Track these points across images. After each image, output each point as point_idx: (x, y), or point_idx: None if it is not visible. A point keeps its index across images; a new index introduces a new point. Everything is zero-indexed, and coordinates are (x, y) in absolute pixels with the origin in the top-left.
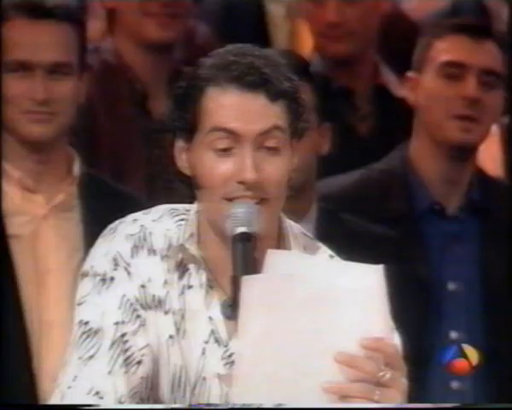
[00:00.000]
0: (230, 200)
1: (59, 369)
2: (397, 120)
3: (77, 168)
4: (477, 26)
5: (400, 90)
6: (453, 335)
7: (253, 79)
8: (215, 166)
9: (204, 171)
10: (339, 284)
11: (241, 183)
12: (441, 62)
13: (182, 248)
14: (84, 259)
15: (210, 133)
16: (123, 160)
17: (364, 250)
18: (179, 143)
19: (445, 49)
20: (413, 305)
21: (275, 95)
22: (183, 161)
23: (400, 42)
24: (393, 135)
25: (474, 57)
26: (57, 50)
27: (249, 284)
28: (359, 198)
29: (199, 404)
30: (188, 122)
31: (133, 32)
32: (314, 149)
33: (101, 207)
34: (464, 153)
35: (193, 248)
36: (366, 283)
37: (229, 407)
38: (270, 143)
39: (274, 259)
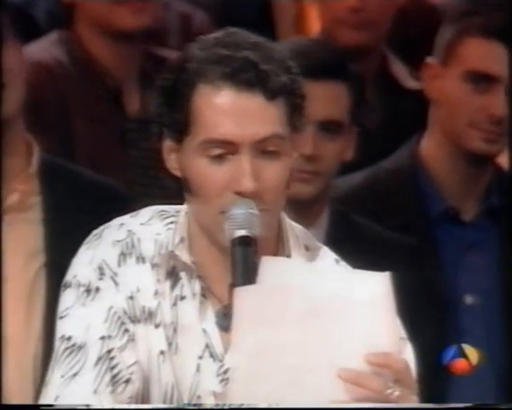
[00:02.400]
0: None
1: (14, 389)
2: (407, 114)
3: (36, 161)
4: (509, 31)
5: (411, 81)
6: None
7: (248, 77)
8: (209, 174)
9: (197, 178)
10: (340, 293)
11: (238, 193)
12: (470, 69)
13: (172, 255)
14: (43, 265)
15: (204, 144)
16: (100, 164)
17: (377, 258)
18: (168, 143)
19: (475, 55)
20: (426, 320)
21: (273, 93)
22: (172, 161)
23: (414, 28)
24: (404, 130)
25: (505, 69)
26: None
27: (241, 295)
28: (365, 201)
29: (196, 404)
30: (177, 122)
31: (101, 23)
32: (340, 154)
33: (66, 204)
34: (484, 160)
35: (184, 255)
36: (371, 292)
37: (227, 407)
38: (270, 147)
39: (269, 267)
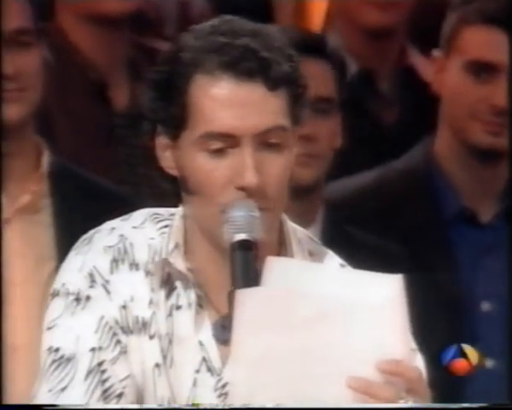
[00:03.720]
0: None
1: (23, 393)
2: (427, 108)
3: (46, 162)
4: (509, 18)
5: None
6: (489, 363)
7: (249, 66)
8: (209, 169)
9: (196, 175)
10: (350, 297)
11: (240, 188)
12: (470, 59)
13: (166, 262)
14: (55, 269)
15: (203, 137)
16: (87, 164)
17: (373, 267)
18: (162, 140)
19: (474, 44)
20: (440, 328)
21: (275, 82)
22: (167, 159)
23: (431, 17)
24: (423, 125)
25: (505, 56)
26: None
27: (243, 298)
28: (376, 202)
29: (194, 404)
30: (173, 117)
31: (85, 8)
32: (330, 142)
33: (76, 207)
34: (493, 156)
35: (179, 262)
36: (383, 295)
37: (227, 407)
38: (272, 140)
39: (274, 268)
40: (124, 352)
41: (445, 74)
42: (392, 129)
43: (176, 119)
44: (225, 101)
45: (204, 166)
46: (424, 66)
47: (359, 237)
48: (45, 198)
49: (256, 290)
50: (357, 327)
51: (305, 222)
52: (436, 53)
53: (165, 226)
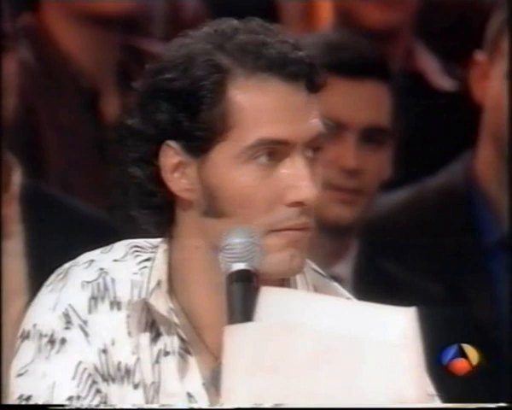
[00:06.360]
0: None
1: None
2: (438, 118)
3: (17, 183)
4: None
5: (444, 79)
6: None
7: (297, 69)
8: (255, 184)
9: (237, 192)
10: (358, 332)
11: (295, 204)
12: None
13: (145, 303)
14: (27, 305)
15: (254, 147)
16: (75, 184)
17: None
18: (176, 158)
19: None
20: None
21: (316, 85)
22: (181, 181)
23: (444, 16)
24: (434, 138)
25: None
26: None
27: (234, 336)
28: (409, 226)
29: (198, 404)
30: (204, 129)
31: (76, 7)
32: (377, 176)
33: (52, 234)
34: None
35: (160, 304)
36: (395, 331)
37: (225, 407)
38: (310, 151)
39: (269, 300)
40: (104, 403)
41: (487, 82)
42: (399, 142)
43: (208, 131)
44: (275, 106)
45: (248, 181)
46: (436, 70)
47: (392, 271)
48: (16, 224)
49: (249, 326)
50: (365, 367)
51: (334, 259)
52: (479, 56)
53: (146, 260)
